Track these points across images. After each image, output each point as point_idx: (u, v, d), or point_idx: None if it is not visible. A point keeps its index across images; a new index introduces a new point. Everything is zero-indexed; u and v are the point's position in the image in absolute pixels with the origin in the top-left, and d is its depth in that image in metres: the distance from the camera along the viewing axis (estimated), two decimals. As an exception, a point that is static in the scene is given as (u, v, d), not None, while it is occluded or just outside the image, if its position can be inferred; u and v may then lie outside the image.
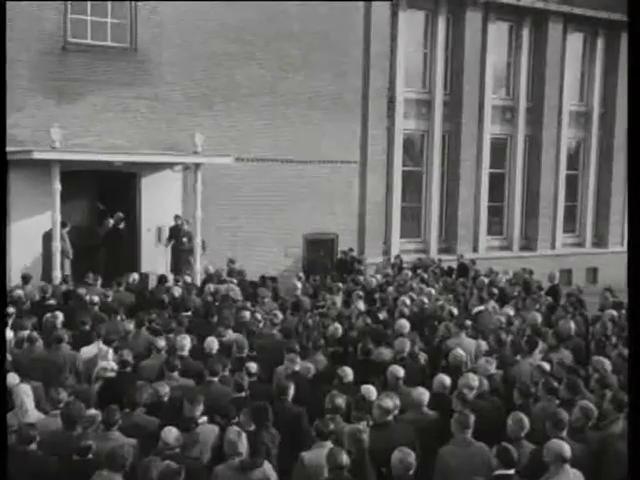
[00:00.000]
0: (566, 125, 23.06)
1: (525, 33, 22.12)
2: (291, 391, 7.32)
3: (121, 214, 16.02)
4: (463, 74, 21.00)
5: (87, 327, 9.89)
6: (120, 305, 11.49)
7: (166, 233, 16.38)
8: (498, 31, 21.74)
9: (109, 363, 8.35)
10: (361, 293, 12.82)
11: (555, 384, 7.53)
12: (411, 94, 20.62)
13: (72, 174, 14.69)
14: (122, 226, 16.01)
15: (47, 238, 14.60)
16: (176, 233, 16.18)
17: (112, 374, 8.13)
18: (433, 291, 13.54)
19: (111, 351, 8.67)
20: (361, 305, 11.56)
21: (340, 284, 13.98)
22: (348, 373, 7.88)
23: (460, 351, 8.77)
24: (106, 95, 15.76)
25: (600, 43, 23.48)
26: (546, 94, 22.42)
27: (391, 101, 20.00)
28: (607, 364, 8.38)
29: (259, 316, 10.87)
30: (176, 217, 16.22)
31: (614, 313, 11.70)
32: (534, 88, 22.51)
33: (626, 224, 24.41)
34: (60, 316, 10.28)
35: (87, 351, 9.07)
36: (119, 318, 10.66)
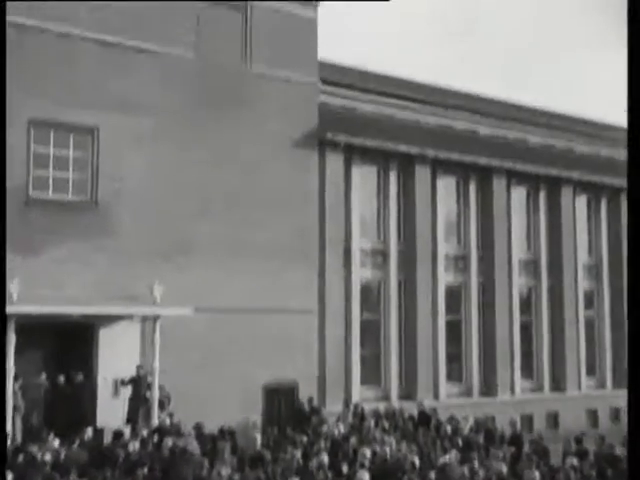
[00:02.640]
0: (517, 273, 23.86)
1: (472, 187, 23.34)
2: None
3: (73, 373, 15.74)
4: (415, 225, 21.83)
5: (38, 488, 9.46)
6: (73, 464, 11.04)
7: (124, 384, 15.96)
8: (447, 185, 22.92)
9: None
10: (322, 445, 12.59)
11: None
12: (366, 244, 21.26)
13: (29, 325, 14.50)
14: (80, 378, 15.66)
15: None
16: (137, 384, 15.80)
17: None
18: (394, 442, 13.38)
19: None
20: (324, 458, 11.31)
21: (301, 436, 13.70)
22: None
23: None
24: (67, 248, 15.94)
25: (542, 196, 24.89)
26: (495, 243, 23.36)
27: (347, 251, 20.57)
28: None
29: (224, 472, 10.53)
30: (138, 367, 15.92)
31: (575, 463, 11.67)
32: (484, 238, 23.44)
33: (583, 368, 24.83)
34: (9, 477, 9.81)
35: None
36: (71, 478, 10.22)
